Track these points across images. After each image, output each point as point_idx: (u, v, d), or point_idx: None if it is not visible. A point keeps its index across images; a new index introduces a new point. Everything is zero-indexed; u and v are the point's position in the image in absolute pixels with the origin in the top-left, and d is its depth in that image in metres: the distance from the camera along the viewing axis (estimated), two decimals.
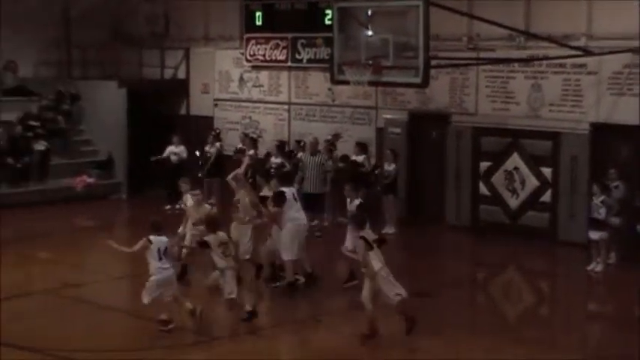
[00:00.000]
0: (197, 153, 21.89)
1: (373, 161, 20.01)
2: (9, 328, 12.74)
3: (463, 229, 19.47)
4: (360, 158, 19.48)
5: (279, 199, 14.33)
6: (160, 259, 12.35)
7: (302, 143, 20.70)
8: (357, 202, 14.69)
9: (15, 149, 22.01)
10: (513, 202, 18.97)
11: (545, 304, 15.83)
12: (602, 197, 15.91)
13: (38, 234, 18.87)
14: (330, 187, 19.52)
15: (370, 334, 12.23)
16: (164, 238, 12.53)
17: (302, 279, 14.68)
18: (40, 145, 22.54)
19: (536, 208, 18.60)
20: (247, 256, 14.67)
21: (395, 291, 12.25)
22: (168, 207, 21.39)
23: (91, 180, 22.90)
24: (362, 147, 19.76)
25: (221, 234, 12.90)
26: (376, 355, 12.00)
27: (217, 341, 12.42)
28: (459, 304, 14.84)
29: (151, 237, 12.39)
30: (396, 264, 17.44)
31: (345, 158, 19.70)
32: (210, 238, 12.72)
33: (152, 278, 12.39)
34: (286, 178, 15.33)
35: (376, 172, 19.57)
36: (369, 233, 12.52)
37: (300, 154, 20.15)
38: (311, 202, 18.61)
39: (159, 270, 12.33)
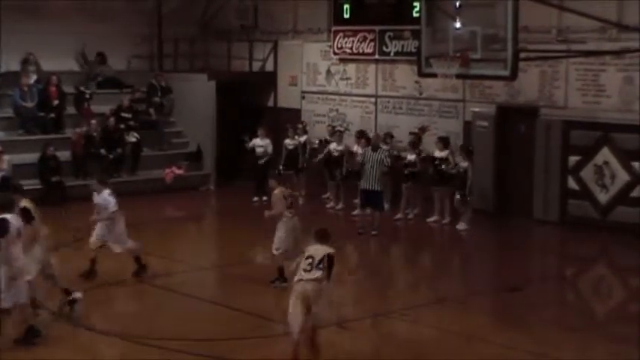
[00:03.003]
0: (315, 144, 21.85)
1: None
2: (100, 316, 13.08)
3: (551, 224, 19.25)
4: (443, 154, 19.31)
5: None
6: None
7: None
8: None
9: (108, 141, 22.47)
10: (603, 197, 18.68)
11: (636, 301, 15.54)
12: None
13: (129, 224, 19.18)
14: (410, 182, 19.58)
15: None
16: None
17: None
18: (132, 137, 22.98)
19: (627, 203, 18.30)
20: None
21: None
22: (255, 199, 21.64)
23: (180, 171, 23.27)
24: (444, 142, 19.55)
25: None
26: (466, 350, 11.97)
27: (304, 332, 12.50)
28: (548, 299, 14.71)
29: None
30: (484, 258, 17.51)
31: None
32: None
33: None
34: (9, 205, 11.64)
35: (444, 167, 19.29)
36: None
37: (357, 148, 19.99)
38: (368, 199, 18.49)
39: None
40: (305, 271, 11.04)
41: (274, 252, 14.38)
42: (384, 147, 20.32)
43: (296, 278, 11.13)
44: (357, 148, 20.01)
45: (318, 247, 11.28)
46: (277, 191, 14.55)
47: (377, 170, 18.19)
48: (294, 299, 10.96)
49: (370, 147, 18.82)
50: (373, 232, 18.26)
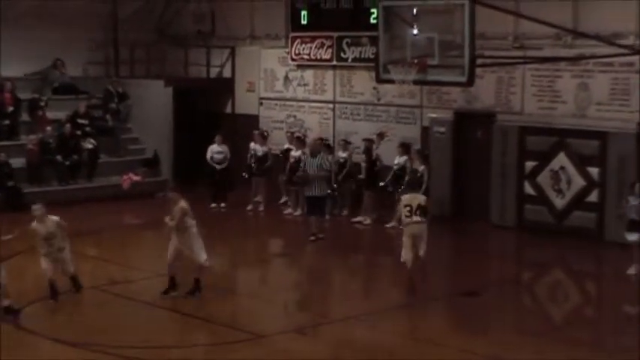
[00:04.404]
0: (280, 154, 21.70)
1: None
2: (56, 323, 12.95)
3: (508, 229, 19.38)
4: (401, 160, 19.31)
5: None
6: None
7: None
8: None
9: (64, 147, 22.26)
10: (559, 202, 18.85)
11: (591, 305, 15.72)
12: None
13: (86, 231, 19.08)
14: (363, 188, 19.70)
15: None
16: None
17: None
18: (89, 144, 22.79)
19: (583, 208, 18.46)
20: None
21: None
22: (213, 205, 21.56)
23: (137, 178, 23.12)
24: (405, 148, 19.57)
25: None
26: (424, 355, 12.00)
27: (263, 339, 12.50)
28: (504, 304, 14.80)
29: None
30: (441, 263, 17.58)
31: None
32: None
33: None
34: None
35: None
36: None
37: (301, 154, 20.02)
38: (313, 205, 18.49)
39: None
40: (407, 216, 14.55)
41: (206, 262, 14.13)
42: (342, 154, 20.42)
43: (404, 223, 14.62)
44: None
45: (413, 196, 14.87)
46: (184, 204, 14.16)
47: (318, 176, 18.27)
48: (405, 239, 14.58)
49: (309, 153, 18.83)
50: (312, 238, 18.26)
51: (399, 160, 19.45)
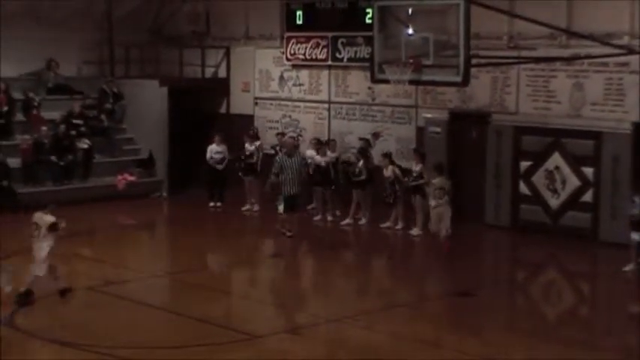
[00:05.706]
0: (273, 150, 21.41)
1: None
2: (51, 325, 12.93)
3: (503, 229, 19.38)
4: (417, 168, 18.83)
5: None
6: None
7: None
8: None
9: (59, 147, 22.19)
10: (554, 202, 18.86)
11: (585, 305, 15.73)
12: None
13: (81, 232, 19.05)
14: (359, 189, 19.67)
15: None
16: None
17: None
18: (84, 144, 22.74)
19: (577, 208, 18.48)
20: None
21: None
22: (212, 204, 21.56)
23: (132, 178, 23.10)
24: (420, 156, 19.10)
25: None
26: (418, 355, 12.00)
27: (258, 339, 12.49)
28: (498, 304, 14.81)
29: None
30: (436, 263, 17.61)
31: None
32: None
33: None
34: None
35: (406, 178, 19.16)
36: None
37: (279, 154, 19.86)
38: (292, 204, 18.52)
39: None
40: (439, 198, 17.08)
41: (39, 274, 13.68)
42: (332, 154, 20.39)
43: (433, 204, 17.31)
44: (310, 153, 20.15)
45: (442, 180, 17.26)
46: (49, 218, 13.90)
47: (297, 175, 18.32)
48: (435, 216, 17.33)
49: (285, 153, 18.84)
50: (289, 234, 18.35)
51: (387, 173, 19.24)
